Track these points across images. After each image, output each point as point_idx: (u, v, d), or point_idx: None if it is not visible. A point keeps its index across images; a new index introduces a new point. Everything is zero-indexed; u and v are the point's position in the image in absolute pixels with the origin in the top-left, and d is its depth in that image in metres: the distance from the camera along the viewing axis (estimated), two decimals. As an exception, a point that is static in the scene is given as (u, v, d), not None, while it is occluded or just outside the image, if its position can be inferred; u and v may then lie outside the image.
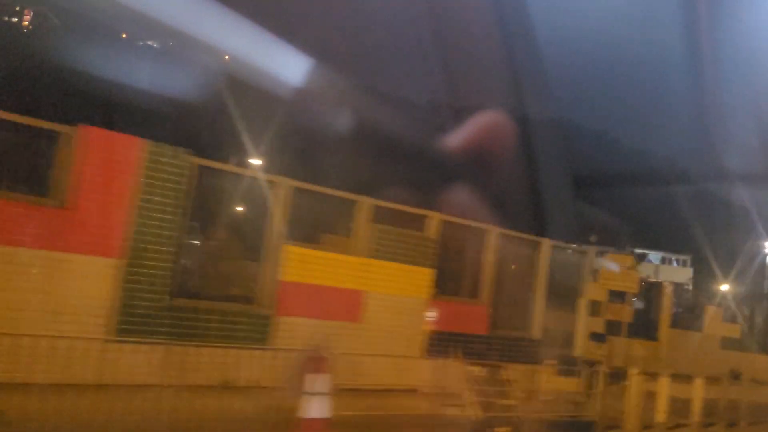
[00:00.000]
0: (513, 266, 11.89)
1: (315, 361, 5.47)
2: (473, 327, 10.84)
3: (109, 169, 7.39)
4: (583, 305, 12.65)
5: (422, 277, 10.16)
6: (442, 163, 16.39)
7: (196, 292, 8.18)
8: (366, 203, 9.74)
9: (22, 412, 6.29)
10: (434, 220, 10.51)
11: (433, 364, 9.40)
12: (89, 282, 7.22)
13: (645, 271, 24.18)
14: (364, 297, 9.49)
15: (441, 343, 10.18)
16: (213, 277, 8.64)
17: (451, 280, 10.81)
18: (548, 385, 9.08)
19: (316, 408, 5.22)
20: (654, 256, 40.57)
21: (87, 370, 7.13)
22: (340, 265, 9.27)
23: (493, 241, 11.29)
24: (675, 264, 40.61)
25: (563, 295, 12.71)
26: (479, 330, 10.90)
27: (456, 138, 16.66)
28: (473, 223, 11.34)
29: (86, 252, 7.21)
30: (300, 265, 8.84)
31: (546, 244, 12.23)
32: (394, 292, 9.82)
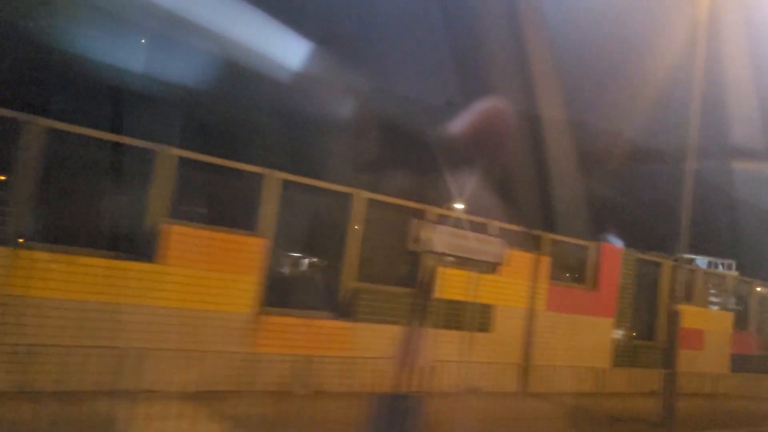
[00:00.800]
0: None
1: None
2: (750, 349, 15.96)
3: (611, 265, 12.46)
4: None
5: (728, 317, 15.25)
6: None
7: (637, 335, 13.28)
8: (701, 272, 14.81)
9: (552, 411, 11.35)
10: (732, 279, 15.61)
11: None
12: (599, 334, 12.31)
13: None
14: (703, 334, 14.58)
15: (737, 361, 15.34)
16: (643, 325, 13.69)
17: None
18: None
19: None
20: (700, 260, 43.57)
21: (595, 385, 12.23)
22: (696, 315, 14.35)
23: (758, 288, 16.39)
24: (721, 268, 43.92)
25: None
26: (753, 350, 16.02)
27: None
28: (742, 277, 16.47)
29: (602, 315, 12.32)
30: (684, 317, 13.92)
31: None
32: (714, 329, 14.89)
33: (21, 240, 6.42)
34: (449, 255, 6.97)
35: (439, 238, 6.12)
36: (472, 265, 7.54)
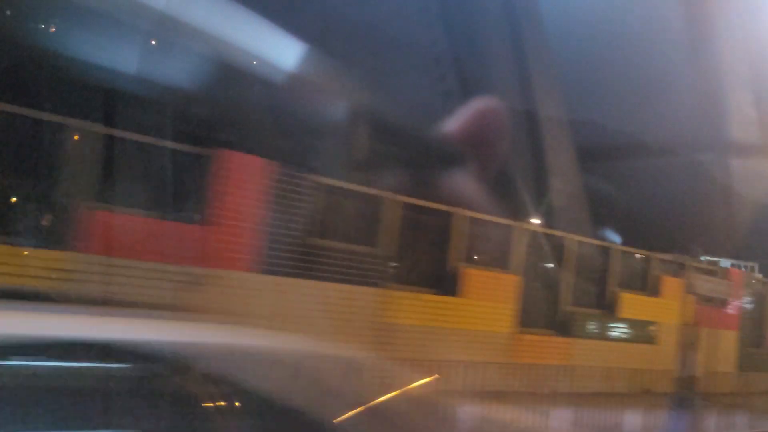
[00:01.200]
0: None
1: None
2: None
3: (736, 286, 14.87)
4: None
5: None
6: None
7: (755, 342, 15.69)
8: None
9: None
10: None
11: None
12: (728, 344, 14.72)
13: None
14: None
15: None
16: (754, 335, 16.10)
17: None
18: None
19: None
20: (724, 262, 45.73)
21: (728, 386, 14.63)
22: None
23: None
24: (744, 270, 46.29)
25: None
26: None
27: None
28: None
29: (730, 328, 14.73)
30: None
31: None
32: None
33: (386, 283, 8.93)
34: (708, 297, 9.43)
35: (701, 285, 8.56)
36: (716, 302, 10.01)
